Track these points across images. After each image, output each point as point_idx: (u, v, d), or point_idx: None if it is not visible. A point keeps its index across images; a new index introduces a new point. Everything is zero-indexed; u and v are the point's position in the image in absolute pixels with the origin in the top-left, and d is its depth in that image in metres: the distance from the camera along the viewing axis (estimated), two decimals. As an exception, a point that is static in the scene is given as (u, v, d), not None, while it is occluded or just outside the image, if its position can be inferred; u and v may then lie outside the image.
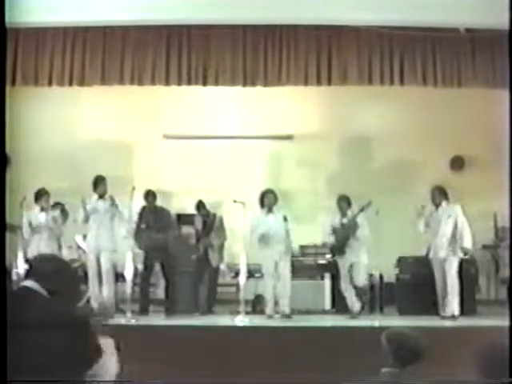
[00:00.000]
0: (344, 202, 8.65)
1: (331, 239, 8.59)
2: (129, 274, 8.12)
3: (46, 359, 2.71)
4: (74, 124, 10.88)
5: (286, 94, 10.14)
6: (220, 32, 9.03)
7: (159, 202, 9.34)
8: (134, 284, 8.45)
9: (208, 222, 9.25)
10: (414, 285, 8.86)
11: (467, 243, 8.37)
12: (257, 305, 9.13)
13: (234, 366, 6.64)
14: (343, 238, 8.49)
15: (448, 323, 8.03)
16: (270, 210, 8.59)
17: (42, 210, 8.77)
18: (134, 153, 10.93)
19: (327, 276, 9.13)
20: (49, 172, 10.18)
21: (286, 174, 10.65)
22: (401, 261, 9.19)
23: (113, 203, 8.53)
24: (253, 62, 9.17)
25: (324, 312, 9.05)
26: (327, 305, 9.15)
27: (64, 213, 9.29)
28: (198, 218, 9.29)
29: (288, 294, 8.40)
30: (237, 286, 8.44)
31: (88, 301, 8.42)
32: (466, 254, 8.47)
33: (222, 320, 8.37)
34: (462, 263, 8.49)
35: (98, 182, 8.66)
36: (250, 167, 10.70)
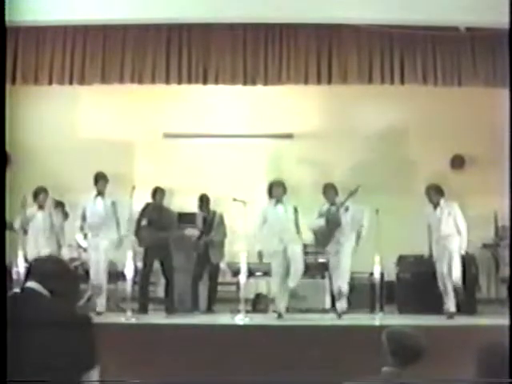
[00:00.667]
0: (330, 189, 8.56)
1: (318, 228, 8.46)
2: (129, 273, 8.12)
3: (52, 360, 2.72)
4: (74, 123, 10.88)
5: (286, 92, 10.14)
6: (220, 31, 9.03)
7: (159, 201, 9.33)
8: (135, 283, 8.45)
9: (208, 219, 9.26)
10: (415, 283, 8.87)
11: (464, 243, 8.38)
12: (257, 304, 9.14)
13: (234, 364, 6.65)
14: (332, 226, 8.38)
15: (448, 322, 8.03)
16: (278, 201, 8.50)
17: (40, 208, 8.75)
18: (134, 151, 10.93)
19: (327, 275, 9.12)
20: (49, 171, 10.18)
21: (285, 173, 10.61)
22: (401, 259, 9.21)
23: (113, 203, 8.53)
24: (253, 61, 9.17)
25: (324, 311, 9.05)
26: (327, 304, 9.17)
27: (64, 211, 9.30)
28: (199, 215, 9.30)
29: (300, 273, 8.30)
30: (237, 284, 8.45)
31: (89, 299, 8.43)
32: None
33: (223, 319, 8.37)
34: (463, 259, 8.50)
35: (99, 179, 8.64)
36: (250, 166, 10.69)
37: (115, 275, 8.92)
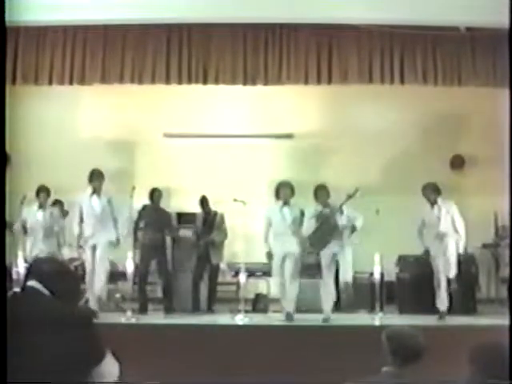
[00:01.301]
0: (322, 191, 8.25)
1: (310, 230, 8.16)
2: (129, 273, 8.11)
3: (54, 359, 2.72)
4: (75, 123, 10.88)
5: (286, 92, 10.14)
6: (220, 31, 9.04)
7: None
8: (134, 283, 8.45)
9: (209, 219, 9.26)
10: (415, 283, 8.86)
11: (461, 244, 8.30)
12: (257, 304, 9.14)
13: (234, 365, 6.65)
14: (326, 229, 8.13)
15: (448, 322, 8.03)
16: (285, 203, 8.32)
17: (40, 207, 8.71)
18: (134, 151, 10.94)
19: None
20: (49, 170, 10.17)
21: (285, 173, 10.62)
22: (401, 260, 9.20)
23: (109, 201, 8.41)
24: (253, 61, 9.18)
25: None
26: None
27: (63, 211, 9.29)
28: (199, 215, 9.30)
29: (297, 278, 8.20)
30: (237, 284, 8.45)
31: (86, 301, 8.37)
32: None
33: (222, 319, 8.36)
34: (461, 262, 8.48)
35: (94, 176, 8.38)
36: (250, 166, 10.70)
37: (115, 275, 8.91)
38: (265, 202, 8.69)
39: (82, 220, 8.45)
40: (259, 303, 9.15)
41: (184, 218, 9.78)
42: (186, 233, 9.39)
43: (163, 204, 9.31)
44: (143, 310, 8.73)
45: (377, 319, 8.01)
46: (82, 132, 10.81)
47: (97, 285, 8.28)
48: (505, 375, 2.99)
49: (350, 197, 8.16)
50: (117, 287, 9.16)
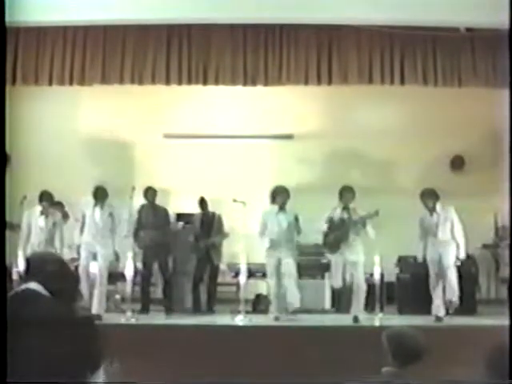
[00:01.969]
0: (349, 193, 8.19)
1: (326, 232, 8.21)
2: (129, 274, 8.11)
3: (55, 361, 2.71)
4: (75, 123, 10.87)
5: (286, 93, 10.14)
6: (220, 31, 9.04)
7: (160, 202, 9.31)
8: (134, 283, 8.45)
9: (207, 220, 9.25)
10: (415, 284, 8.86)
11: (461, 251, 8.22)
12: (257, 304, 9.14)
13: (234, 365, 6.65)
14: (341, 233, 8.15)
15: (448, 322, 8.03)
16: (281, 208, 8.33)
17: (42, 213, 8.67)
18: (134, 152, 10.93)
19: (327, 275, 9.11)
20: (49, 171, 10.17)
21: (285, 174, 10.63)
22: (401, 260, 9.20)
23: (111, 214, 8.42)
24: (253, 62, 9.18)
25: (324, 311, 9.06)
26: (327, 304, 9.17)
27: (63, 212, 9.28)
28: (198, 216, 9.29)
29: (295, 293, 8.13)
30: (237, 285, 8.45)
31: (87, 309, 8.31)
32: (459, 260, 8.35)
33: (223, 319, 8.36)
34: (461, 263, 8.46)
35: (98, 194, 8.44)
36: (250, 166, 10.70)
37: (115, 276, 8.90)
38: (265, 203, 8.67)
39: (83, 228, 8.47)
40: (259, 304, 9.14)
41: (183, 218, 9.79)
42: (185, 233, 9.38)
43: (163, 205, 9.32)
44: (145, 310, 8.73)
45: (377, 319, 8.01)
46: (81, 132, 10.80)
47: (97, 292, 8.28)
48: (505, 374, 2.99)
49: (370, 216, 8.07)
50: (116, 288, 9.16)
